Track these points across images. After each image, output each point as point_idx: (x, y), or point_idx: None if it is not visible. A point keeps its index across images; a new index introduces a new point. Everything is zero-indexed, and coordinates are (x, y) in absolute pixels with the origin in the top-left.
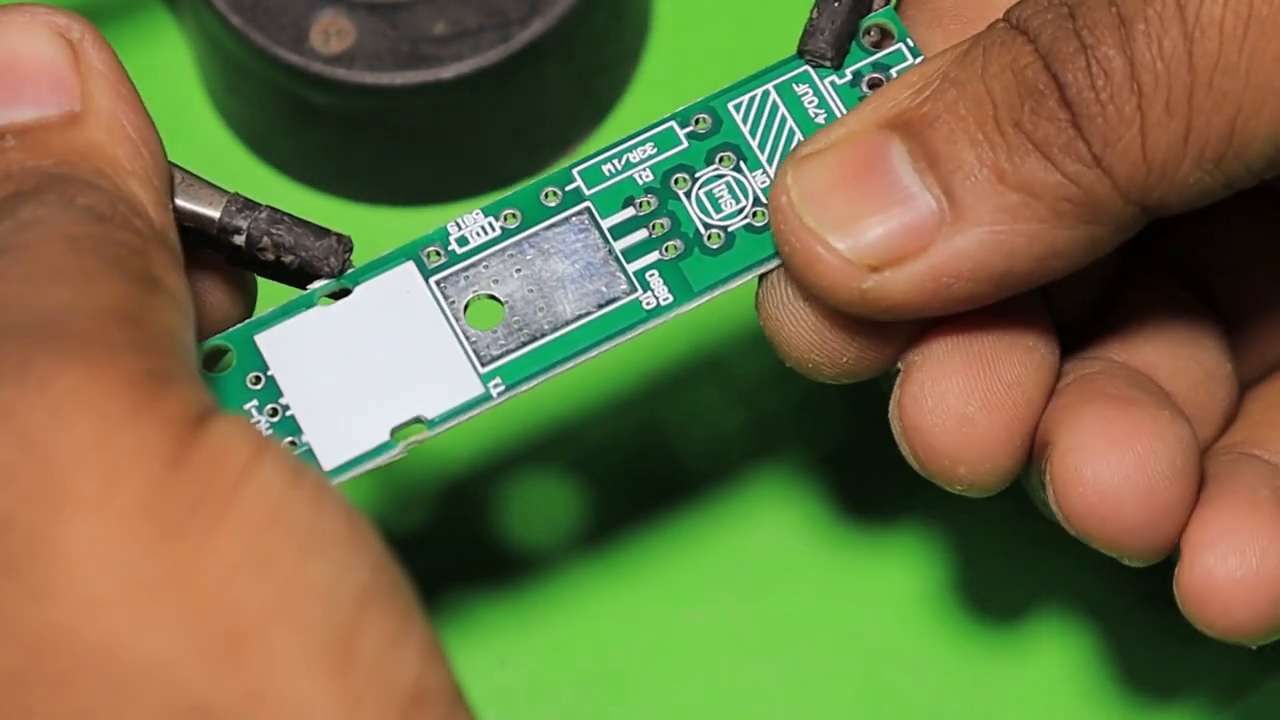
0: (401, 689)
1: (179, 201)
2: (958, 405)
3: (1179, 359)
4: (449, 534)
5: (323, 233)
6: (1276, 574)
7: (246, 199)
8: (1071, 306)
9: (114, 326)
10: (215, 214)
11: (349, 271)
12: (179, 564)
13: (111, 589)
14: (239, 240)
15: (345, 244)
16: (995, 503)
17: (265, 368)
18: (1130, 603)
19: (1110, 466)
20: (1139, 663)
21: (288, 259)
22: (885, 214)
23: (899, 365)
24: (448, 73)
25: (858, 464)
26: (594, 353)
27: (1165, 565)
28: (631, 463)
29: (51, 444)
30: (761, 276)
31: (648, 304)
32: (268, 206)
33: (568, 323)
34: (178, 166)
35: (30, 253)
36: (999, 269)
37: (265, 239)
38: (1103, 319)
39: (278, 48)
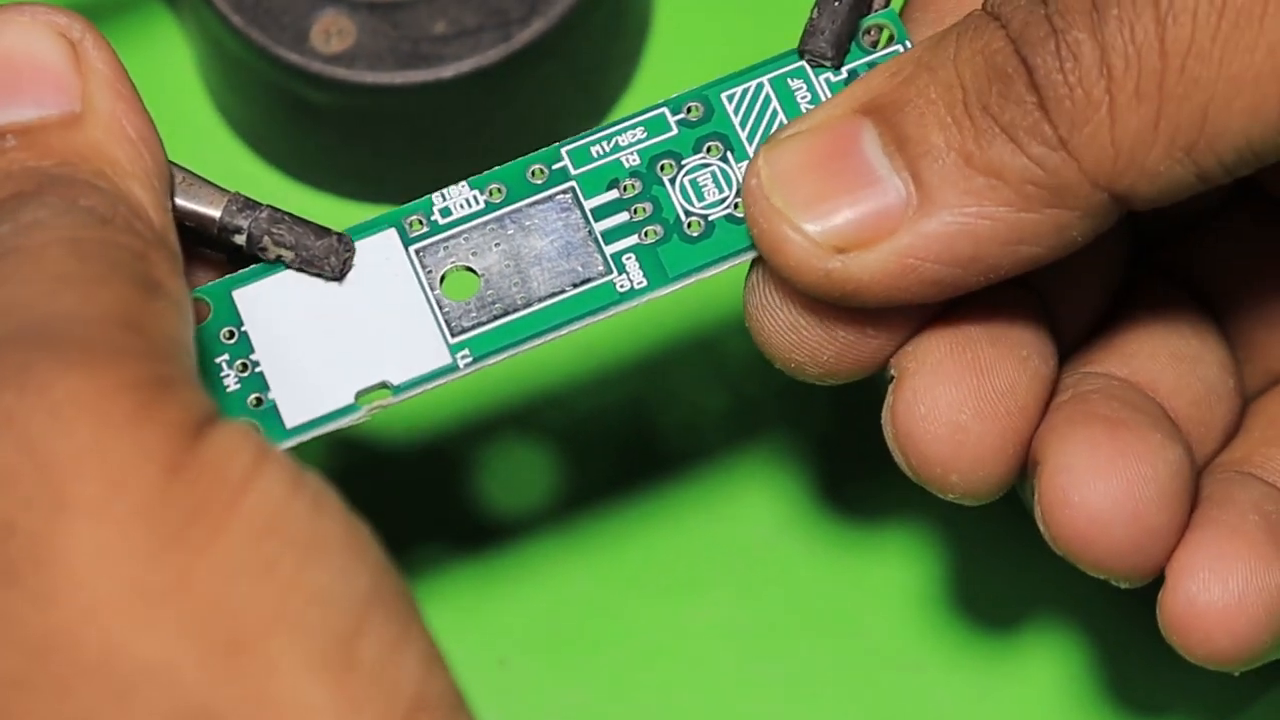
0: (403, 695)
1: (179, 201)
2: (950, 413)
3: (1181, 374)
4: (450, 534)
5: (323, 232)
6: (1258, 602)
7: (247, 198)
8: (1073, 318)
9: (116, 332)
10: (216, 213)
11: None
12: (180, 569)
13: (112, 594)
14: (239, 240)
15: (346, 243)
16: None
17: (240, 323)
18: (1127, 607)
19: (1097, 491)
20: (1134, 668)
21: (288, 258)
22: (853, 197)
23: (892, 371)
24: (448, 72)
25: (847, 448)
26: (563, 331)
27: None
28: (632, 461)
29: (52, 449)
30: (746, 278)
31: (621, 286)
32: (268, 206)
33: (540, 299)
34: (178, 166)
35: (33, 256)
36: (965, 253)
37: (266, 238)
38: (1105, 331)
39: (278, 47)
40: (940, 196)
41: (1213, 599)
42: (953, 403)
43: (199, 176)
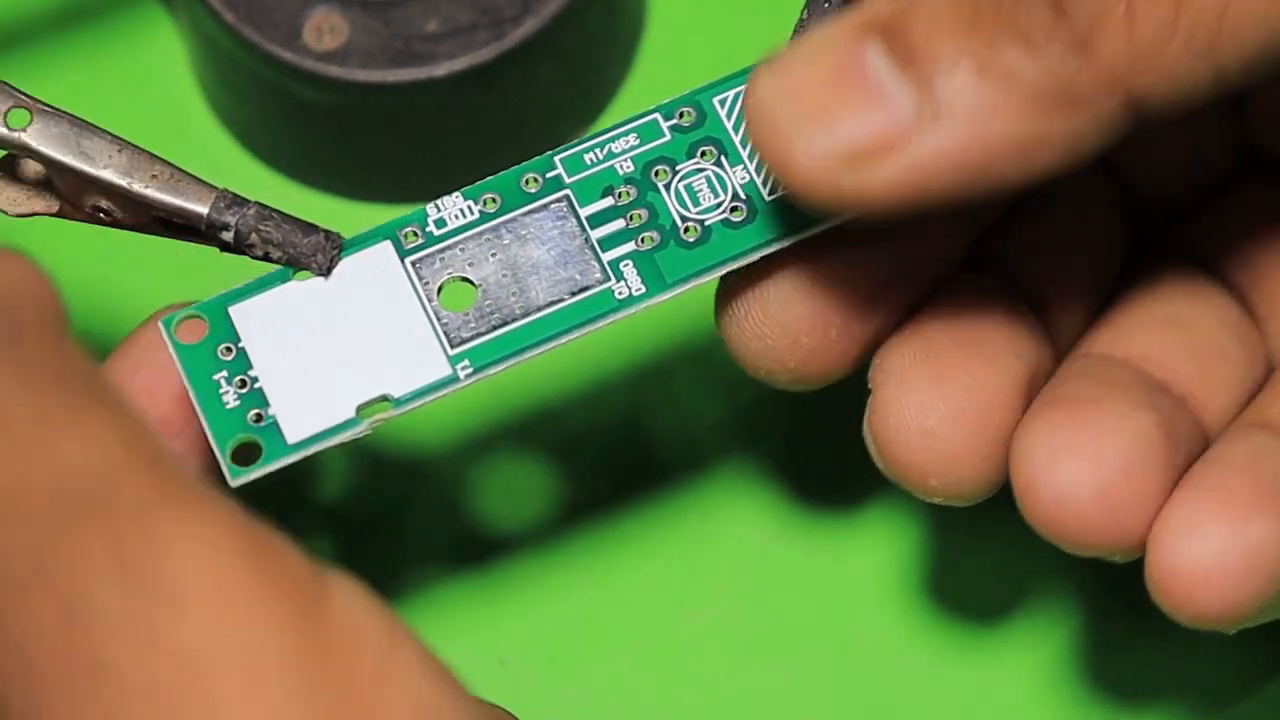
0: None
1: (167, 197)
2: (918, 419)
3: (1173, 336)
4: (453, 532)
5: (311, 229)
6: (1242, 559)
7: (235, 195)
8: (1069, 311)
9: (173, 486)
10: (203, 210)
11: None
12: None
13: None
14: (227, 236)
15: (334, 241)
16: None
17: (237, 339)
18: (1124, 598)
19: (1060, 473)
20: (1126, 658)
21: (275, 255)
22: (863, 107)
23: (870, 384)
24: (440, 70)
25: (844, 453)
26: (564, 339)
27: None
28: (629, 468)
29: (185, 643)
30: (716, 293)
31: (620, 294)
32: (256, 203)
33: (539, 309)
34: (166, 162)
35: None
36: (976, 162)
37: (253, 235)
38: (1102, 314)
39: (270, 44)
40: (951, 106)
41: (1194, 558)
42: (919, 409)
43: (186, 172)
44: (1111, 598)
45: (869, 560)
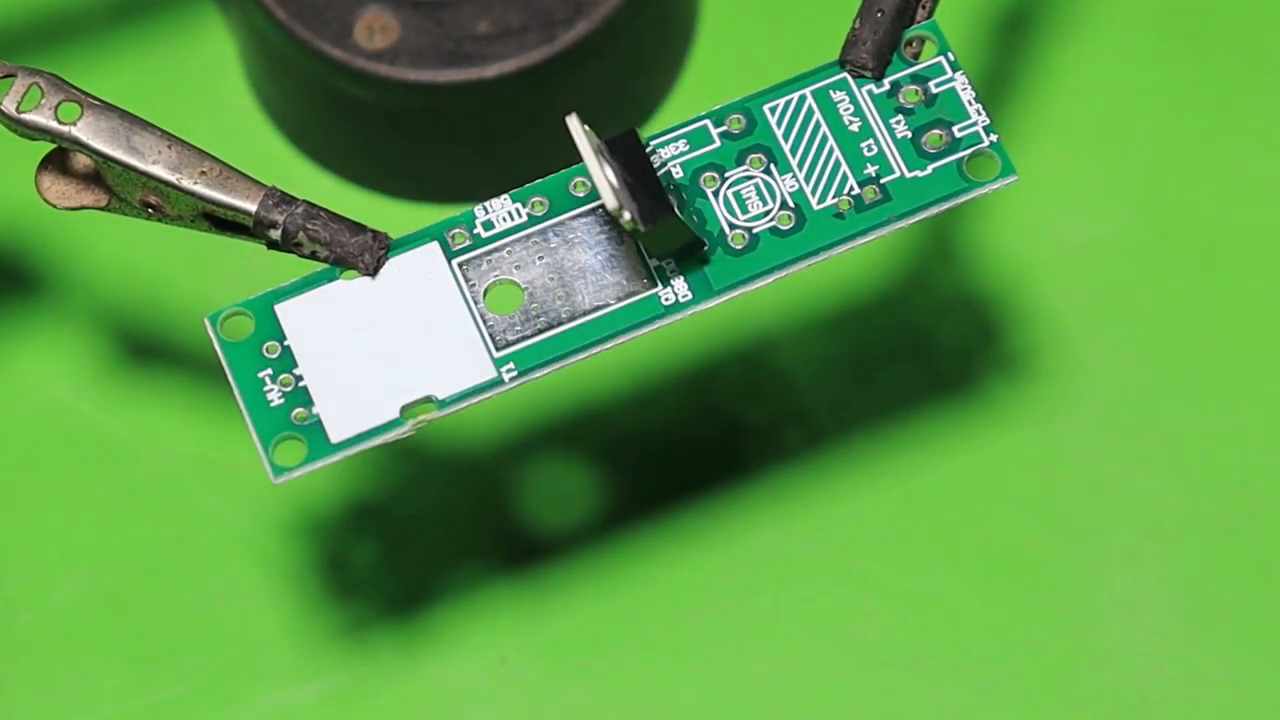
0: None
1: (216, 194)
2: None
3: None
4: (457, 528)
5: (358, 229)
6: None
7: (283, 193)
8: None
9: None
10: (252, 207)
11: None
12: None
13: None
14: (274, 234)
15: (381, 241)
16: (1014, 511)
17: (282, 337)
18: (1120, 604)
19: None
20: (1128, 659)
21: (322, 254)
22: None
23: None
24: (490, 72)
25: (887, 461)
26: (608, 344)
27: None
28: (649, 462)
29: None
30: None
31: (666, 300)
32: (304, 201)
33: (585, 313)
34: (215, 158)
35: None
36: None
37: (301, 234)
38: None
39: (321, 42)
40: None
41: None
42: None
43: (235, 169)
44: (1116, 604)
45: (905, 567)
